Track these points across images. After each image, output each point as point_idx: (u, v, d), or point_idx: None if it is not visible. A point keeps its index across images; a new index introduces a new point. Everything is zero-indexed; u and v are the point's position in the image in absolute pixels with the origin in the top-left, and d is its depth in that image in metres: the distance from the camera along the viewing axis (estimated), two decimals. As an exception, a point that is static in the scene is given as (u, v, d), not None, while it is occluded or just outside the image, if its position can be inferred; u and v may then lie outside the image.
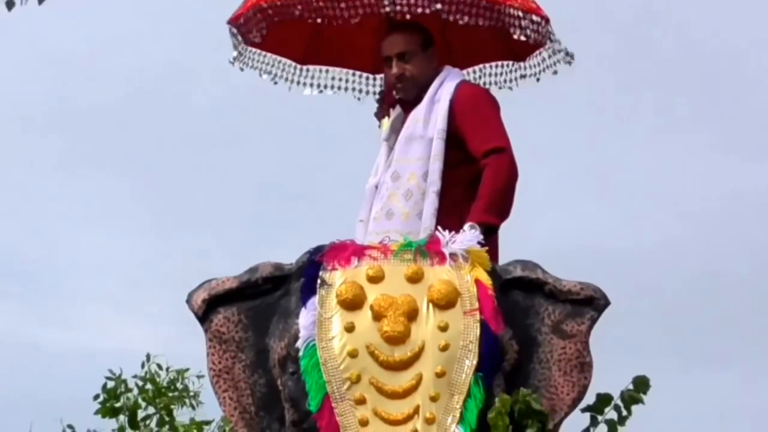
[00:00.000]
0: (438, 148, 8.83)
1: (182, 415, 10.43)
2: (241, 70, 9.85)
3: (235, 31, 9.52)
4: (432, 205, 8.77)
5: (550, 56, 9.48)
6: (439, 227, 8.22)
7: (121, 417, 10.08)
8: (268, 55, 9.90)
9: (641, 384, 7.71)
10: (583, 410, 7.75)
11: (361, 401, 7.51)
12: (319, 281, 7.88)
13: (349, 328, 7.65)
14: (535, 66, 9.70)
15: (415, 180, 8.88)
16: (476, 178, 8.78)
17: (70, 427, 10.24)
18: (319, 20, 9.08)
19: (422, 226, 8.71)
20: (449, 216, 8.65)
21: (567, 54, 9.37)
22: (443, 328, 7.64)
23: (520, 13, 9.03)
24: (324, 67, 10.11)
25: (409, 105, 9.15)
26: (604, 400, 7.72)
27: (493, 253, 8.49)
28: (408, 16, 8.81)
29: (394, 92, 9.22)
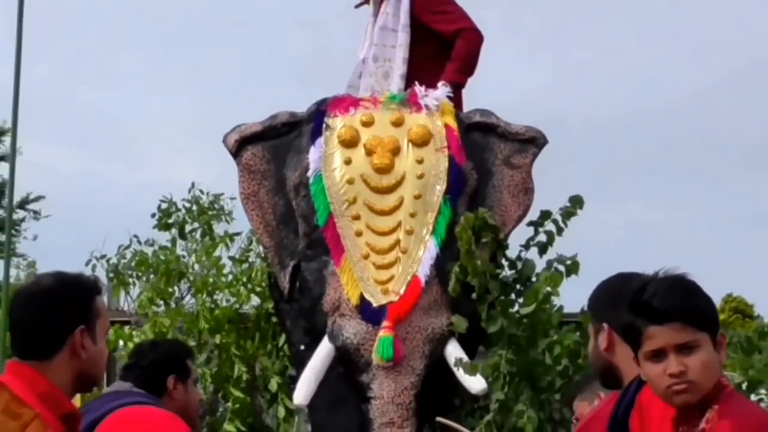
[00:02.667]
0: (402, 38, 9.00)
1: (219, 228, 10.97)
2: None
3: None
4: (397, 86, 8.87)
5: None
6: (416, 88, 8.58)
7: (173, 230, 10.71)
8: None
9: (576, 201, 8.02)
10: (528, 224, 8.11)
11: (356, 217, 8.08)
12: (324, 125, 8.35)
13: (347, 162, 8.18)
14: None
15: (389, 63, 9.04)
16: (440, 51, 9.00)
17: (135, 236, 10.75)
18: None
19: None
20: (422, 82, 8.75)
21: None
22: (420, 161, 8.16)
23: None
24: None
25: None
26: (545, 214, 8.03)
27: (459, 104, 8.89)
28: None
29: None
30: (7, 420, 2.79)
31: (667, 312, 3.59)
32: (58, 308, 3.86)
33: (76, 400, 6.42)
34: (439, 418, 5.92)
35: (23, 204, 27.44)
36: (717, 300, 5.00)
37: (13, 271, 22.53)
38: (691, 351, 3.59)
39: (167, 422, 4.81)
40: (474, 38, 9.02)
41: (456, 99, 8.84)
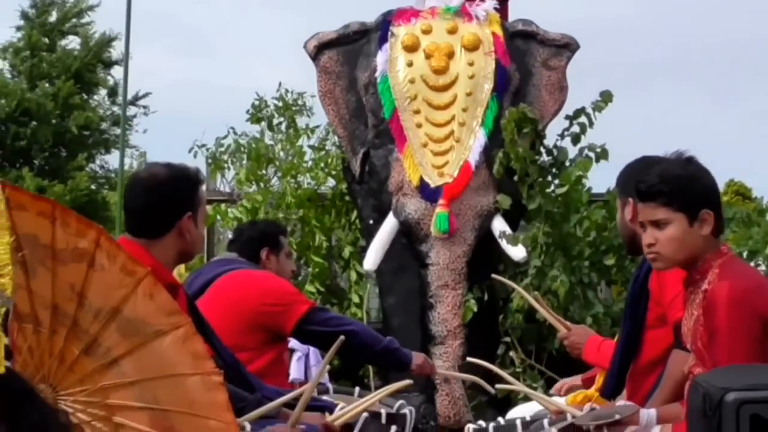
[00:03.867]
0: None
1: (301, 121, 11.11)
2: None
3: None
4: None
5: None
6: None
7: (263, 123, 10.87)
8: None
9: (606, 96, 8.27)
10: (565, 117, 8.40)
11: (417, 111, 8.32)
12: (389, 33, 8.60)
13: (409, 64, 8.42)
14: None
15: None
16: None
17: (232, 128, 10.95)
18: None
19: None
20: None
21: None
22: (471, 64, 8.41)
23: None
24: None
25: None
26: (578, 110, 8.32)
27: (505, 15, 9.08)
28: None
29: None
30: (123, 276, 2.69)
31: (645, 192, 3.76)
32: (171, 196, 3.99)
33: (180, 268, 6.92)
34: (470, 359, 6.04)
35: (134, 101, 27.42)
36: (721, 184, 5.06)
37: (126, 161, 22.67)
38: (661, 227, 3.73)
39: (268, 277, 5.23)
40: None
41: (503, 11, 8.99)
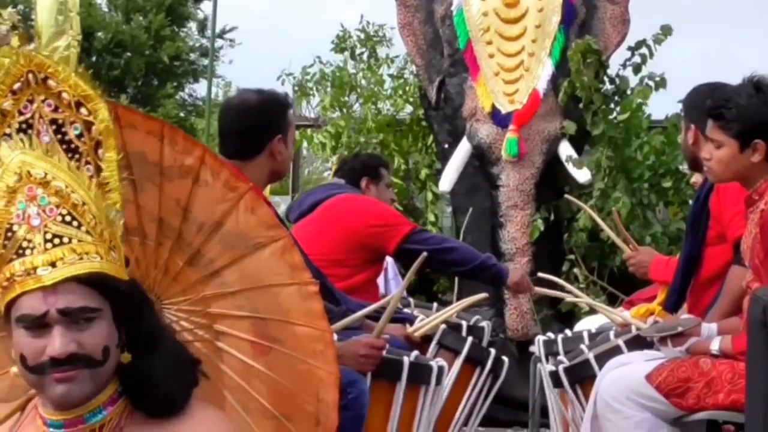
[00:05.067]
0: None
1: (381, 51, 11.16)
2: None
3: None
4: None
5: None
6: None
7: (346, 53, 10.90)
8: None
9: (666, 29, 8.26)
10: (627, 48, 8.35)
11: (489, 42, 8.21)
12: None
13: None
14: None
15: None
16: None
17: (318, 57, 10.97)
18: None
19: None
20: None
21: None
22: None
23: None
24: None
25: None
26: (639, 42, 8.30)
27: None
28: None
29: None
30: (226, 191, 2.67)
31: (709, 111, 3.85)
32: (262, 119, 4.04)
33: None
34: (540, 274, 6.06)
35: (221, 34, 27.54)
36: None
37: (213, 90, 22.84)
38: (718, 147, 3.82)
39: (372, 201, 5.41)
40: None
41: None
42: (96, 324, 2.28)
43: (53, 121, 2.33)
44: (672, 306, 4.65)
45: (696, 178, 5.11)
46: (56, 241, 2.24)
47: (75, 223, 2.26)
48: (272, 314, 2.73)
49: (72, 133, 2.34)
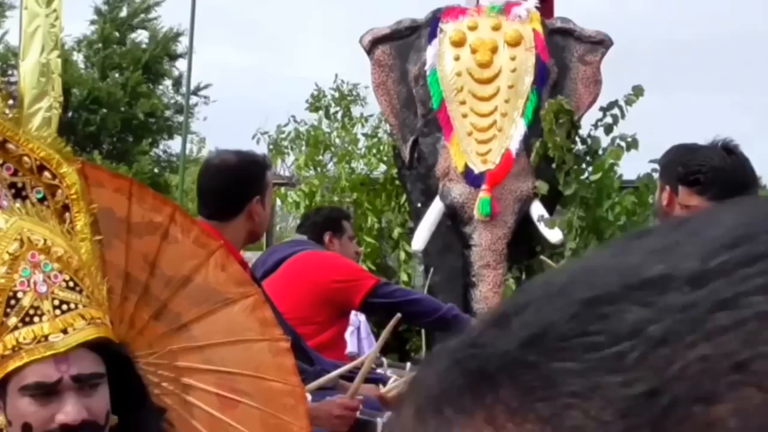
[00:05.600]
0: None
1: (356, 110, 11.23)
2: None
3: None
4: None
5: None
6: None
7: (320, 112, 10.93)
8: None
9: (638, 90, 8.20)
10: (599, 109, 8.33)
11: (463, 102, 8.31)
12: (438, 29, 8.57)
13: (456, 58, 8.39)
14: None
15: None
16: None
17: (292, 116, 11.01)
18: None
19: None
20: None
21: None
22: (513, 59, 8.37)
23: None
24: None
25: None
26: (611, 102, 8.24)
27: (548, 12, 9.06)
28: None
29: None
30: (196, 248, 2.64)
31: (685, 178, 3.74)
32: (241, 181, 3.97)
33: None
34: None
35: (196, 91, 27.57)
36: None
37: (187, 146, 22.72)
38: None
39: (335, 257, 5.34)
40: None
41: (546, 10, 8.93)
42: (100, 389, 2.26)
43: (12, 185, 2.28)
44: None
45: None
46: (64, 307, 2.20)
47: (78, 288, 2.23)
48: (242, 369, 2.69)
49: (33, 197, 2.28)
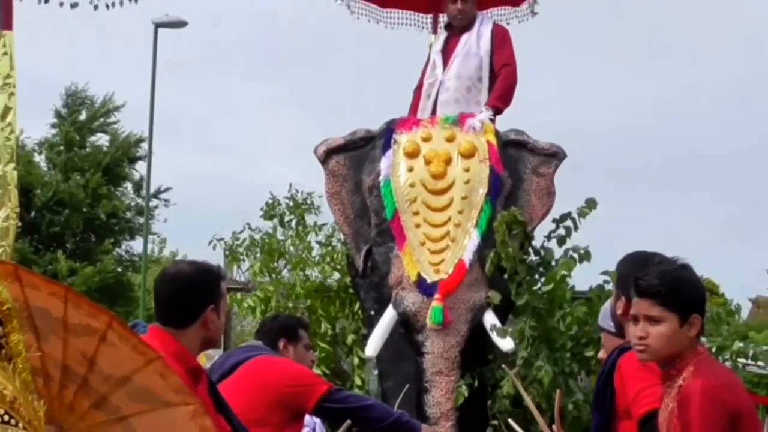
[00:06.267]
0: (485, 62, 8.94)
1: (310, 219, 11.09)
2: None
3: None
4: (484, 96, 8.89)
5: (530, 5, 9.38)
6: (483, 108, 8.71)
7: (275, 220, 10.81)
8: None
9: (591, 202, 8.23)
10: (552, 221, 8.30)
11: (416, 213, 8.23)
12: (392, 140, 8.54)
13: (410, 169, 8.34)
14: (523, 10, 9.48)
15: (472, 81, 8.94)
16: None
17: (247, 224, 10.94)
18: None
19: (479, 109, 8.76)
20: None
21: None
22: (467, 170, 8.31)
23: None
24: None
25: (457, 31, 9.10)
26: (564, 215, 8.24)
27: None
28: None
29: (454, 22, 9.14)
30: (135, 354, 2.66)
31: (646, 290, 3.73)
32: (196, 290, 3.98)
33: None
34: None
35: (156, 194, 27.72)
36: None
37: (149, 246, 22.78)
38: (656, 323, 3.70)
39: (289, 363, 5.35)
40: (514, 76, 8.99)
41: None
42: None
43: None
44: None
45: (602, 354, 5.15)
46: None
47: (13, 422, 2.23)
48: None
49: None
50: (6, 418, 2.22)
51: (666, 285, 3.73)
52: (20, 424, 2.22)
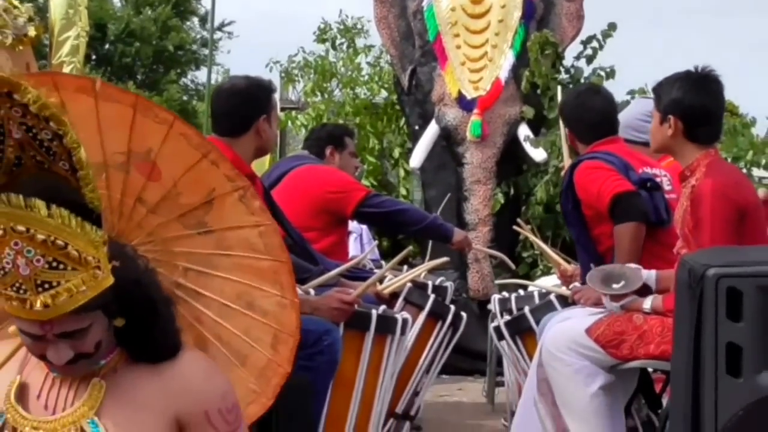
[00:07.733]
0: None
1: (359, 42, 11.26)
2: None
3: None
4: None
5: None
6: None
7: (327, 44, 10.97)
8: None
9: (611, 26, 8.30)
10: (581, 42, 8.36)
11: (457, 35, 8.20)
12: None
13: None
14: None
15: None
16: None
17: (302, 47, 11.09)
18: None
19: None
20: None
21: None
22: None
23: None
24: None
25: None
26: (590, 36, 8.32)
27: None
28: None
29: None
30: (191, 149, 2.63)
31: (653, 90, 3.94)
32: (249, 101, 4.04)
33: (266, 162, 7.02)
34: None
35: (220, 27, 27.60)
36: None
37: (213, 76, 22.82)
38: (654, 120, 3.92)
39: (330, 170, 5.39)
40: None
41: None
42: (90, 330, 2.23)
43: (22, 123, 2.15)
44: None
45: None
46: (46, 285, 2.14)
47: (62, 267, 2.14)
48: (235, 251, 2.68)
49: (44, 135, 2.16)
50: (54, 264, 2.13)
51: (656, 85, 3.89)
52: (69, 267, 2.14)
